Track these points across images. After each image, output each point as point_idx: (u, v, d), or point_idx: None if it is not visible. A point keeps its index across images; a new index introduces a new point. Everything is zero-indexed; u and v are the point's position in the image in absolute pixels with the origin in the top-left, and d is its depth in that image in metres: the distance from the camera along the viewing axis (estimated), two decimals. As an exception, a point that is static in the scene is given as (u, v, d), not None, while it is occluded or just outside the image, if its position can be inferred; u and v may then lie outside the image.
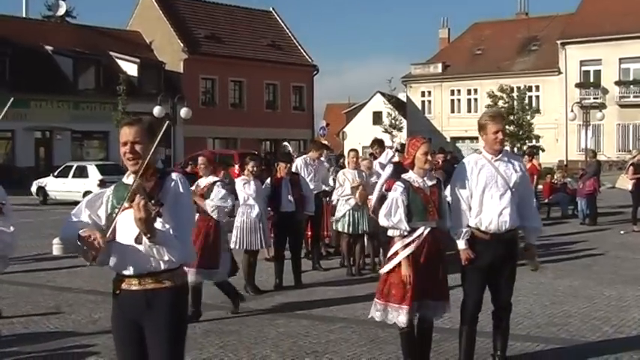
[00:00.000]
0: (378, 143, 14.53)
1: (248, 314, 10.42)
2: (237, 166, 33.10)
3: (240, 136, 52.84)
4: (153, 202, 4.38)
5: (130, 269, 4.71)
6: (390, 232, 7.17)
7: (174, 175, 4.77)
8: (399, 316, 6.96)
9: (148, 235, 4.45)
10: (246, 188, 12.00)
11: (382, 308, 7.13)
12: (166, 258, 4.56)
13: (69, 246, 4.65)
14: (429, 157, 7.17)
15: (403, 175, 7.32)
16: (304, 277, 12.85)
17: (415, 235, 6.99)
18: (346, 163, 15.14)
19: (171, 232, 4.55)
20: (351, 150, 14.80)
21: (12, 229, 4.52)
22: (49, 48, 46.78)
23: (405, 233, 6.99)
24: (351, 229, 13.40)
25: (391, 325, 7.36)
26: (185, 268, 4.85)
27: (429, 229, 7.02)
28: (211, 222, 9.97)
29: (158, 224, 4.57)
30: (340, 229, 13.73)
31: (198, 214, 9.72)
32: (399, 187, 7.12)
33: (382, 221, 7.15)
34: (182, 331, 4.86)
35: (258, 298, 11.57)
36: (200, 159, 10.67)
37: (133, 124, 4.77)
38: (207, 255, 9.77)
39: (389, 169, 12.06)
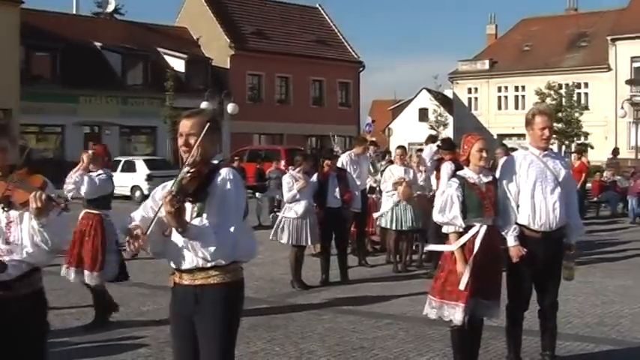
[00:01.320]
0: (432, 139, 14.48)
1: (295, 309, 10.46)
2: (283, 162, 33.36)
3: (286, 132, 52.92)
4: (178, 196, 4.41)
5: (180, 264, 4.75)
6: (444, 229, 7.10)
7: (223, 171, 4.71)
8: (456, 313, 6.86)
9: (180, 230, 4.50)
10: (294, 184, 12.03)
11: (438, 306, 7.02)
12: (200, 254, 4.56)
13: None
14: (484, 154, 7.09)
15: (458, 172, 7.27)
16: (350, 273, 12.84)
17: (471, 232, 6.92)
18: (393, 159, 15.07)
19: (209, 228, 4.55)
20: (398, 147, 14.77)
21: (64, 222, 4.57)
22: (98, 44, 47.25)
23: (461, 230, 6.92)
24: (394, 225, 13.36)
25: (438, 323, 7.32)
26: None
27: (485, 227, 6.94)
28: (94, 220, 9.54)
29: (196, 220, 4.60)
30: (383, 225, 13.69)
31: (83, 211, 9.59)
32: (453, 183, 7.04)
33: (437, 217, 7.08)
34: (232, 327, 4.85)
35: (305, 294, 11.60)
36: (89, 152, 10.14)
37: (190, 116, 4.80)
38: (85, 254, 9.45)
39: (448, 168, 11.97)
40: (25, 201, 4.43)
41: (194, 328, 4.79)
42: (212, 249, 4.52)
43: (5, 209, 4.61)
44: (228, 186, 4.66)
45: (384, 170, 14.66)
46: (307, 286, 12.03)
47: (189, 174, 4.56)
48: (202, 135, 4.60)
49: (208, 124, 4.67)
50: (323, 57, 57.24)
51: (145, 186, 31.72)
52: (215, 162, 4.79)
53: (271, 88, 54.74)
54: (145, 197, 30.61)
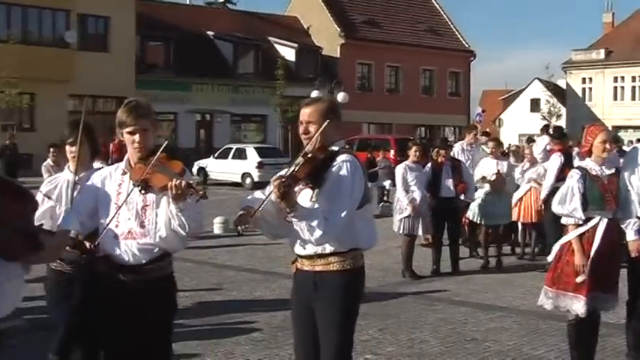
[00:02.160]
0: (547, 130, 14.17)
1: (406, 299, 10.43)
2: (392, 152, 33.28)
3: (395, 121, 52.73)
4: (287, 181, 4.43)
5: (301, 249, 4.79)
6: (563, 220, 6.94)
7: (341, 157, 4.72)
8: (574, 304, 6.72)
9: (287, 210, 4.53)
10: (407, 173, 11.99)
11: (554, 296, 6.88)
12: (307, 237, 4.58)
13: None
14: (608, 146, 6.89)
15: (580, 163, 7.10)
16: (461, 264, 12.73)
17: (590, 224, 6.75)
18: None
19: (319, 211, 4.57)
20: (492, 139, 14.50)
21: (199, 208, 4.65)
22: (210, 33, 47.98)
23: (580, 222, 6.76)
24: (483, 219, 13.08)
25: (553, 317, 7.17)
26: None
27: (605, 220, 6.76)
28: None
29: (308, 202, 4.62)
30: (471, 218, 13.37)
31: None
32: (575, 174, 6.88)
33: (556, 209, 6.93)
34: (351, 314, 4.86)
35: (416, 284, 11.56)
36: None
37: (309, 104, 4.85)
38: None
39: (557, 161, 11.72)
40: (164, 185, 4.48)
41: (314, 314, 4.82)
42: (319, 233, 4.53)
43: (142, 192, 4.68)
44: (344, 172, 4.66)
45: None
46: (418, 275, 11.98)
47: (304, 159, 4.61)
48: (325, 123, 4.64)
49: (324, 126, 4.69)
50: (434, 46, 56.76)
51: (255, 173, 32.11)
52: (335, 149, 4.79)
53: (381, 78, 54.60)
54: (255, 184, 31.13)
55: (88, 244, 4.73)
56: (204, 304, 10.00)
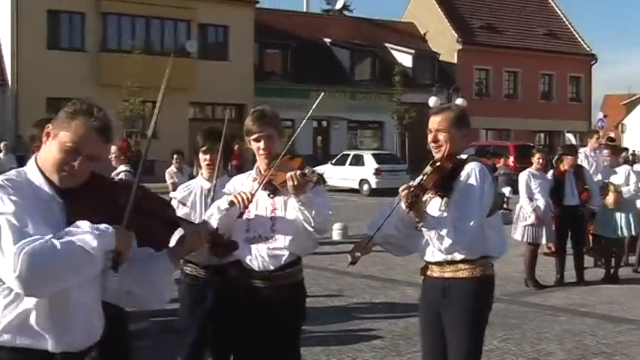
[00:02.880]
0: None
1: (529, 309, 10.22)
2: (512, 158, 32.76)
3: (514, 127, 51.86)
4: (415, 190, 4.42)
5: (430, 256, 4.76)
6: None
7: (469, 165, 4.68)
8: None
9: (417, 220, 4.51)
10: (531, 180, 11.76)
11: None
12: (436, 246, 4.54)
13: None
14: None
15: None
16: (586, 273, 12.37)
17: None
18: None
19: (448, 220, 4.52)
20: (607, 146, 13.95)
21: (324, 201, 4.69)
22: (327, 40, 48.29)
23: None
24: (605, 231, 12.64)
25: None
26: None
27: None
28: None
29: (437, 211, 4.59)
30: (593, 230, 12.94)
31: None
32: None
33: None
34: (479, 323, 4.81)
35: (540, 294, 11.33)
36: (112, 148, 9.95)
37: (438, 112, 4.83)
38: None
39: None
40: (284, 181, 4.54)
41: (442, 321, 4.78)
42: (448, 242, 4.50)
43: (271, 195, 4.75)
44: (472, 180, 4.62)
45: None
46: (542, 285, 11.74)
47: (432, 168, 4.59)
48: (460, 129, 4.62)
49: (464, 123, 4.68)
50: (553, 50, 55.55)
51: (373, 180, 32.11)
52: (463, 157, 4.74)
53: (499, 83, 53.80)
54: (372, 191, 31.16)
55: (226, 237, 4.80)
56: (325, 310, 10.02)
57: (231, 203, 4.65)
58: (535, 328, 9.15)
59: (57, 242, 2.92)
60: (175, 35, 40.04)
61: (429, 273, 4.87)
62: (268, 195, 4.74)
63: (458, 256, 4.67)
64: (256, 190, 4.70)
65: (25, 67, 35.50)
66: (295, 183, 4.44)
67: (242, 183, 5.00)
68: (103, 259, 3.04)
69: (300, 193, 4.50)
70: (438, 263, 4.75)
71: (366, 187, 32.38)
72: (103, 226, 3.05)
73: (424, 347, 5.02)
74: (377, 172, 32.14)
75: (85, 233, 2.99)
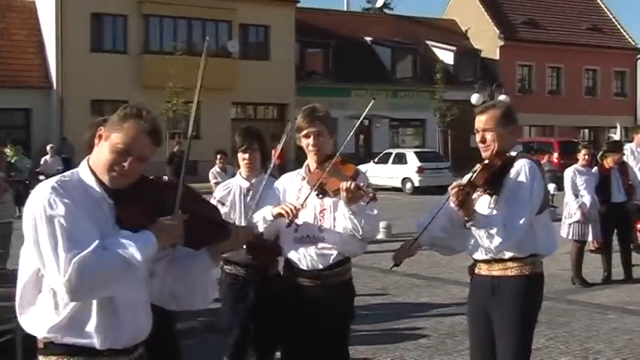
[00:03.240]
0: None
1: (577, 307, 10.11)
2: (556, 155, 32.47)
3: (557, 123, 51.35)
4: (465, 188, 4.41)
5: (479, 254, 4.73)
6: None
7: (519, 163, 4.64)
8: None
9: (466, 219, 4.48)
10: (577, 177, 11.63)
11: None
12: (486, 244, 4.50)
13: None
14: None
15: None
16: (634, 270, 12.19)
17: None
18: None
19: (498, 218, 4.48)
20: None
21: (375, 211, 4.64)
22: (368, 39, 48.17)
23: None
24: None
25: None
26: None
27: None
28: None
29: (486, 209, 4.55)
30: None
31: None
32: None
33: None
34: (528, 322, 4.77)
35: (587, 291, 11.20)
36: None
37: (483, 112, 4.78)
38: None
39: None
40: (337, 189, 4.53)
41: (490, 319, 4.74)
42: (498, 240, 4.47)
43: (320, 196, 4.74)
44: (522, 177, 4.58)
45: None
46: (589, 283, 11.60)
47: (481, 166, 4.55)
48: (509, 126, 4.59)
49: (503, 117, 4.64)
50: (597, 45, 54.87)
51: (415, 178, 31.98)
52: (512, 154, 4.70)
53: (542, 79, 53.29)
54: (415, 189, 31.04)
55: (269, 242, 4.82)
56: (370, 308, 10.01)
57: (279, 215, 4.67)
58: (583, 326, 9.05)
59: (104, 253, 3.04)
60: (217, 36, 40.18)
61: (477, 271, 4.83)
62: (317, 195, 4.73)
63: (507, 254, 4.63)
64: (305, 199, 4.72)
65: (69, 70, 35.87)
66: (350, 196, 4.44)
67: (291, 181, 5.00)
68: (147, 267, 3.16)
69: (352, 203, 4.50)
70: (487, 261, 4.72)
71: (409, 185, 32.25)
72: (146, 235, 3.16)
73: (473, 346, 4.99)
74: (420, 170, 32.00)
75: (130, 245, 3.09)
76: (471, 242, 4.71)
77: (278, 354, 5.42)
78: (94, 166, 3.29)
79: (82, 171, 3.30)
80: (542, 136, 46.73)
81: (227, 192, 5.84)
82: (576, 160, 11.97)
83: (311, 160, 4.88)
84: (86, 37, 36.76)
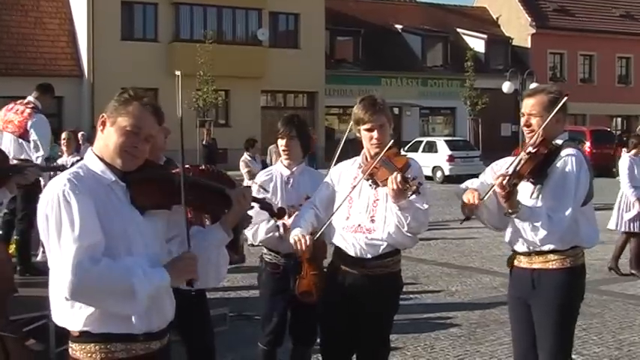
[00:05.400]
0: None
1: (610, 298, 10.00)
2: (588, 144, 32.11)
3: (590, 112, 50.79)
4: (511, 179, 4.28)
5: (519, 245, 4.64)
6: None
7: (565, 152, 4.51)
8: None
9: (509, 211, 4.38)
10: (634, 167, 11.35)
11: None
12: (530, 237, 4.43)
13: None
14: None
15: None
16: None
17: None
18: None
19: (542, 210, 4.39)
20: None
21: (425, 206, 4.56)
22: (398, 27, 47.96)
23: None
24: None
25: None
26: None
27: None
28: None
29: (528, 199, 4.47)
30: None
31: None
32: None
33: None
34: (570, 315, 4.69)
35: (620, 282, 11.09)
36: (64, 134, 9.81)
37: (531, 95, 4.66)
38: None
39: None
40: (385, 180, 4.46)
41: (531, 312, 4.67)
42: (543, 233, 4.39)
43: (373, 186, 4.68)
44: (569, 167, 4.47)
45: None
46: (623, 273, 11.47)
47: (527, 155, 4.43)
48: (551, 115, 4.47)
49: (561, 103, 4.51)
50: (630, 32, 54.20)
51: (446, 167, 31.87)
52: (559, 142, 4.59)
53: (574, 67, 52.79)
54: (445, 178, 30.89)
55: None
56: (401, 297, 9.92)
57: (293, 243, 4.73)
58: (617, 317, 8.96)
59: (114, 273, 3.12)
60: (247, 24, 40.18)
61: (516, 263, 4.73)
62: (370, 185, 4.67)
63: (548, 246, 4.52)
64: (352, 188, 4.70)
65: (101, 59, 36.05)
66: (395, 188, 4.35)
67: (347, 170, 4.96)
68: (146, 302, 3.19)
69: (400, 198, 4.42)
70: (527, 254, 4.62)
71: (439, 173, 32.14)
72: (161, 273, 3.25)
73: (514, 337, 4.93)
74: (450, 159, 31.88)
75: (143, 279, 3.16)
76: (509, 232, 4.62)
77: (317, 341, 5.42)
78: (102, 152, 3.36)
79: (90, 160, 3.36)
80: (573, 125, 46.32)
81: (269, 178, 5.81)
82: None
83: (370, 150, 4.76)
84: (117, 25, 36.91)
